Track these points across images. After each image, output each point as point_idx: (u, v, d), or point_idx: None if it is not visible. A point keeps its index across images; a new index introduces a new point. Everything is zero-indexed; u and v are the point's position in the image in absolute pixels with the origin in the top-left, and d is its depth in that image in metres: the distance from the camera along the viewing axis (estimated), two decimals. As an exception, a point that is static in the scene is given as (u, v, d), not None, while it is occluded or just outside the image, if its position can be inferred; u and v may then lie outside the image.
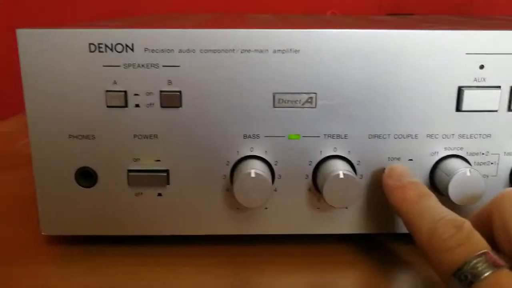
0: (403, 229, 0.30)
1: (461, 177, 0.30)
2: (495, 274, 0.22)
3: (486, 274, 0.22)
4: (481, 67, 0.31)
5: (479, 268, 0.23)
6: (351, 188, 0.30)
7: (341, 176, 0.30)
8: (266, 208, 0.32)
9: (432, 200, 0.28)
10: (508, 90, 0.31)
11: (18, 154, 0.54)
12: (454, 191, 0.30)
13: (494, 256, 0.23)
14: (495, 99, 0.31)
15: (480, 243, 0.24)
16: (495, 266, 0.23)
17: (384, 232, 0.33)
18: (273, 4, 0.78)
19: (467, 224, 0.25)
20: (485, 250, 0.23)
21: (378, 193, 0.32)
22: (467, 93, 0.31)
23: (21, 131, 0.64)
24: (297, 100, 0.31)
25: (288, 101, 0.31)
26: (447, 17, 0.61)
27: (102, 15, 0.77)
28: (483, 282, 0.22)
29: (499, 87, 0.31)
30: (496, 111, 0.32)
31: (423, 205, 0.28)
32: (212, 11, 0.77)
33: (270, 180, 0.30)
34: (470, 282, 0.22)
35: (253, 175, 0.30)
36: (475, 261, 0.23)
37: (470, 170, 0.30)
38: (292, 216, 0.33)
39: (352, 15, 0.70)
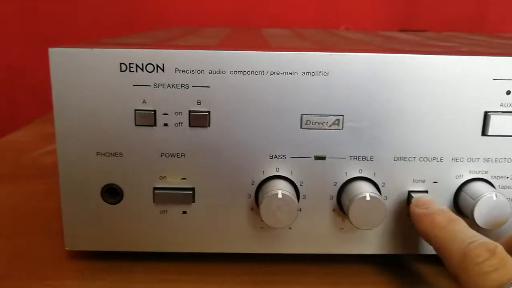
0: (427, 250, 0.30)
1: (487, 201, 0.30)
2: None
3: None
4: (508, 92, 0.31)
5: None
6: (376, 210, 0.30)
7: (368, 198, 0.30)
8: (290, 228, 0.33)
9: (462, 224, 0.28)
10: (533, 115, 0.31)
11: (35, 164, 0.54)
12: (479, 214, 0.31)
13: None
14: (521, 124, 0.31)
15: None
16: None
17: (408, 253, 0.34)
18: (285, 17, 0.78)
19: (500, 248, 0.25)
20: None
21: (402, 215, 0.33)
22: (493, 118, 0.31)
23: (34, 140, 0.65)
24: (324, 122, 0.31)
25: (315, 122, 0.31)
26: (461, 35, 0.61)
27: (106, 24, 0.78)
28: None
29: (525, 112, 0.31)
30: (521, 136, 0.32)
31: (453, 229, 0.28)
32: (223, 24, 0.77)
33: (296, 201, 0.30)
34: None
35: (280, 195, 0.30)
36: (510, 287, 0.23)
37: (496, 194, 0.30)
38: (316, 236, 0.33)
39: (365, 30, 0.71)
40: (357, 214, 0.30)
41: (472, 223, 0.30)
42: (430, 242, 0.29)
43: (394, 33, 0.67)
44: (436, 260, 0.29)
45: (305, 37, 0.48)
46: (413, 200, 0.31)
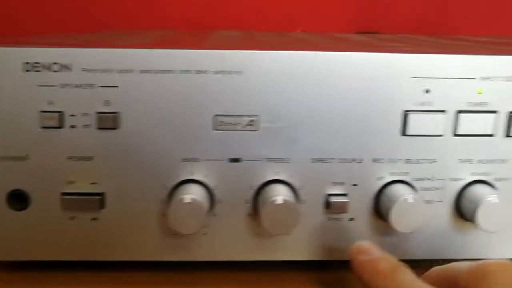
0: (347, 257, 0.29)
1: (403, 204, 0.30)
2: None
3: None
4: (427, 91, 0.30)
5: None
6: (289, 214, 0.29)
7: (279, 202, 0.29)
8: (205, 234, 0.31)
9: (408, 273, 0.26)
10: (453, 114, 0.31)
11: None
12: (396, 217, 0.30)
13: None
14: (440, 124, 0.31)
15: None
16: None
17: (328, 259, 0.32)
18: (246, 21, 0.77)
19: None
20: None
21: (321, 219, 0.31)
22: (412, 117, 0.30)
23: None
24: (238, 123, 0.30)
25: (229, 123, 0.30)
26: (408, 36, 0.61)
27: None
28: None
29: (444, 111, 0.31)
30: (441, 135, 0.31)
31: (399, 278, 0.26)
32: (180, 26, 0.76)
33: (205, 205, 0.29)
34: None
35: (186, 200, 0.29)
36: None
37: (413, 196, 0.30)
38: (232, 242, 0.32)
39: (322, 32, 0.70)
40: (269, 218, 0.29)
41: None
42: None
43: (347, 35, 0.66)
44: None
45: (249, 39, 0.47)
46: (353, 247, 0.29)
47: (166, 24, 0.75)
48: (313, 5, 0.77)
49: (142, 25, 0.74)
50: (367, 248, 0.29)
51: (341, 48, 0.30)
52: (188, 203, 0.29)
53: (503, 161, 0.32)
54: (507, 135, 0.31)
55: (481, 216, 0.30)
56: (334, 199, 0.31)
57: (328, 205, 0.31)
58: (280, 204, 0.29)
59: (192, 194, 0.29)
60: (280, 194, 0.29)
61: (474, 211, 0.30)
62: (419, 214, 0.30)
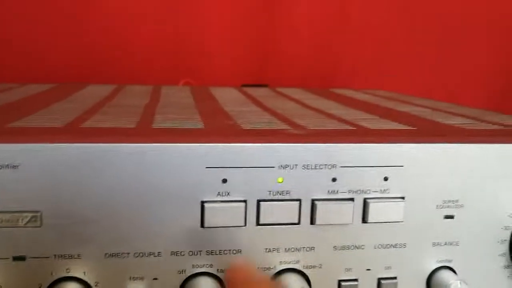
0: None
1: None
2: None
3: None
4: (224, 181, 0.29)
5: None
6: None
7: (59, 306, 0.27)
8: None
9: None
10: (255, 203, 0.30)
11: None
12: (190, 317, 0.28)
13: None
14: (241, 214, 0.30)
15: None
16: None
17: None
18: (133, 70, 0.76)
19: None
20: None
21: (120, 317, 0.30)
22: (208, 208, 0.29)
23: None
24: (19, 219, 0.28)
25: (8, 220, 0.28)
26: (270, 93, 0.61)
27: None
28: None
29: (245, 201, 0.30)
30: (244, 226, 0.30)
31: None
32: (58, 79, 0.74)
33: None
34: None
35: (-47, 309, 0.26)
36: None
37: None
38: None
39: (205, 85, 0.69)
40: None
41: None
42: None
43: (227, 90, 0.65)
44: None
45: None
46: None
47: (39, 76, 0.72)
48: (200, 57, 0.77)
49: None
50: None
51: (133, 139, 0.29)
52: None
53: (310, 248, 0.31)
54: (312, 223, 0.31)
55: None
56: (134, 296, 0.29)
57: (121, 301, 0.29)
58: (60, 309, 0.27)
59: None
60: (67, 295, 0.27)
61: (277, 304, 0.29)
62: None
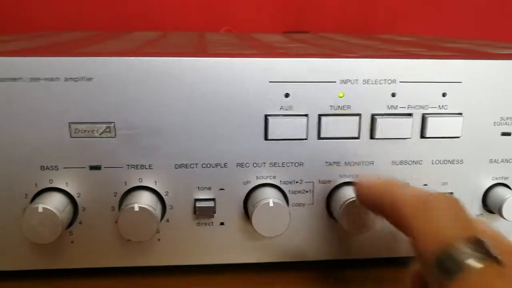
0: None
1: (263, 208, 0.29)
2: None
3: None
4: (286, 95, 0.30)
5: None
6: (147, 221, 0.29)
7: (136, 209, 0.28)
8: (72, 242, 0.31)
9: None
10: (316, 118, 0.31)
11: None
12: (257, 221, 0.30)
13: None
14: (303, 128, 0.31)
15: None
16: None
17: (200, 263, 0.32)
18: (171, 20, 0.76)
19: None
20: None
21: (189, 224, 0.31)
22: (272, 121, 0.30)
23: None
24: (94, 130, 0.29)
25: (84, 131, 0.29)
26: (336, 37, 0.61)
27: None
28: None
29: (307, 115, 0.31)
30: (305, 139, 0.31)
31: (411, 187, 0.26)
32: (102, 27, 0.75)
33: (58, 213, 0.28)
34: None
35: (40, 210, 0.28)
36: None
37: (272, 200, 0.29)
38: (100, 249, 0.31)
39: (246, 32, 0.70)
40: (125, 226, 0.29)
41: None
42: (379, 198, 0.26)
43: (269, 35, 0.66)
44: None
45: (167, 41, 0.47)
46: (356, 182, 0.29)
47: (83, 25, 0.73)
48: (240, 4, 0.77)
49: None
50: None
51: (196, 54, 0.30)
52: (41, 212, 0.28)
53: (369, 163, 0.32)
54: (372, 137, 0.31)
55: (342, 217, 0.30)
56: (201, 204, 0.31)
57: (196, 210, 0.31)
58: (137, 211, 0.28)
59: (47, 203, 0.28)
60: (142, 201, 0.29)
61: (338, 212, 0.31)
62: (281, 218, 0.30)
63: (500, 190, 0.33)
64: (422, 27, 0.81)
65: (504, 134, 0.33)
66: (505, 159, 0.33)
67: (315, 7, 0.80)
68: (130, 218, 0.29)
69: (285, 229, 0.30)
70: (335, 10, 0.81)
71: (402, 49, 0.42)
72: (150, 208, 0.29)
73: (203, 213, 0.31)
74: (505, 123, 0.33)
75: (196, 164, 0.31)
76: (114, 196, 0.31)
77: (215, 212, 0.31)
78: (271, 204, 0.30)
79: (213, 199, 0.31)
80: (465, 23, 0.84)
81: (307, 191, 0.32)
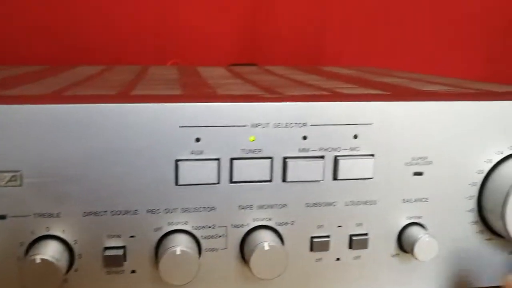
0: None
1: (171, 256, 0.29)
2: None
3: None
4: (197, 140, 0.30)
5: None
6: (50, 273, 0.28)
7: (37, 261, 0.28)
8: (-27, 295, 0.30)
9: None
10: (228, 162, 0.31)
11: None
12: (164, 269, 0.29)
13: None
14: (214, 172, 0.31)
15: None
16: None
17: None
18: (117, 52, 0.77)
19: None
20: None
21: (99, 274, 0.31)
22: (182, 166, 0.30)
23: None
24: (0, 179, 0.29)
25: (-12, 180, 0.29)
26: (258, 70, 0.62)
27: None
28: None
29: (218, 159, 0.31)
30: (217, 183, 0.31)
31: None
32: (44, 62, 0.75)
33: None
34: None
35: None
36: None
37: (180, 248, 0.29)
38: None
39: (193, 65, 0.70)
40: (28, 278, 0.28)
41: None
42: None
43: (213, 69, 0.66)
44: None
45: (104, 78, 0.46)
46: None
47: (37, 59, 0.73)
48: (188, 36, 0.78)
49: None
50: None
51: (106, 100, 0.30)
52: None
53: (283, 205, 0.32)
54: (284, 180, 0.32)
55: (254, 262, 0.30)
56: (110, 252, 0.30)
57: (105, 258, 0.30)
58: (39, 263, 0.28)
59: None
60: (47, 252, 0.28)
61: (250, 256, 0.30)
62: (189, 265, 0.29)
63: (414, 230, 0.33)
64: (368, 59, 0.82)
65: (416, 174, 0.33)
66: (418, 198, 0.34)
67: (269, 38, 0.82)
68: (33, 270, 0.28)
69: (193, 276, 0.30)
70: (288, 41, 0.83)
71: (333, 85, 0.43)
72: (52, 259, 0.28)
73: (111, 261, 0.31)
74: (417, 163, 0.33)
75: (105, 211, 0.30)
76: (20, 246, 0.30)
77: (125, 260, 0.31)
78: (178, 252, 0.29)
79: (123, 247, 0.31)
80: (412, 55, 0.86)
81: (220, 236, 0.32)
